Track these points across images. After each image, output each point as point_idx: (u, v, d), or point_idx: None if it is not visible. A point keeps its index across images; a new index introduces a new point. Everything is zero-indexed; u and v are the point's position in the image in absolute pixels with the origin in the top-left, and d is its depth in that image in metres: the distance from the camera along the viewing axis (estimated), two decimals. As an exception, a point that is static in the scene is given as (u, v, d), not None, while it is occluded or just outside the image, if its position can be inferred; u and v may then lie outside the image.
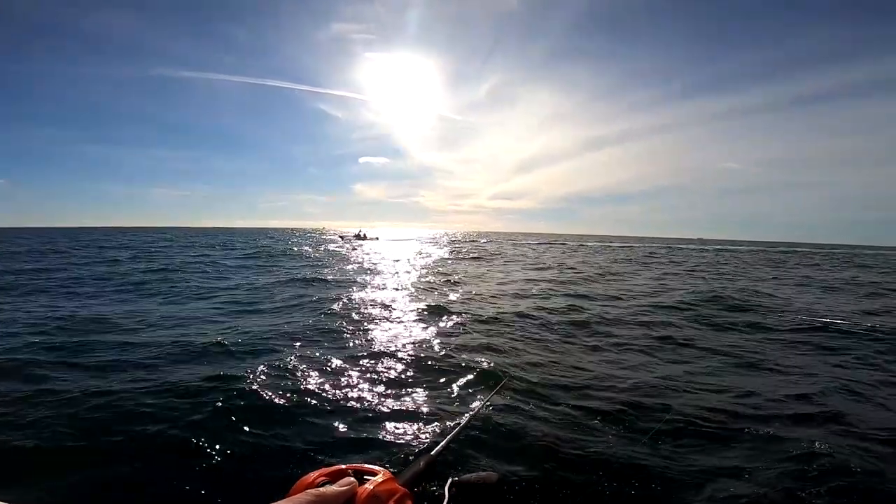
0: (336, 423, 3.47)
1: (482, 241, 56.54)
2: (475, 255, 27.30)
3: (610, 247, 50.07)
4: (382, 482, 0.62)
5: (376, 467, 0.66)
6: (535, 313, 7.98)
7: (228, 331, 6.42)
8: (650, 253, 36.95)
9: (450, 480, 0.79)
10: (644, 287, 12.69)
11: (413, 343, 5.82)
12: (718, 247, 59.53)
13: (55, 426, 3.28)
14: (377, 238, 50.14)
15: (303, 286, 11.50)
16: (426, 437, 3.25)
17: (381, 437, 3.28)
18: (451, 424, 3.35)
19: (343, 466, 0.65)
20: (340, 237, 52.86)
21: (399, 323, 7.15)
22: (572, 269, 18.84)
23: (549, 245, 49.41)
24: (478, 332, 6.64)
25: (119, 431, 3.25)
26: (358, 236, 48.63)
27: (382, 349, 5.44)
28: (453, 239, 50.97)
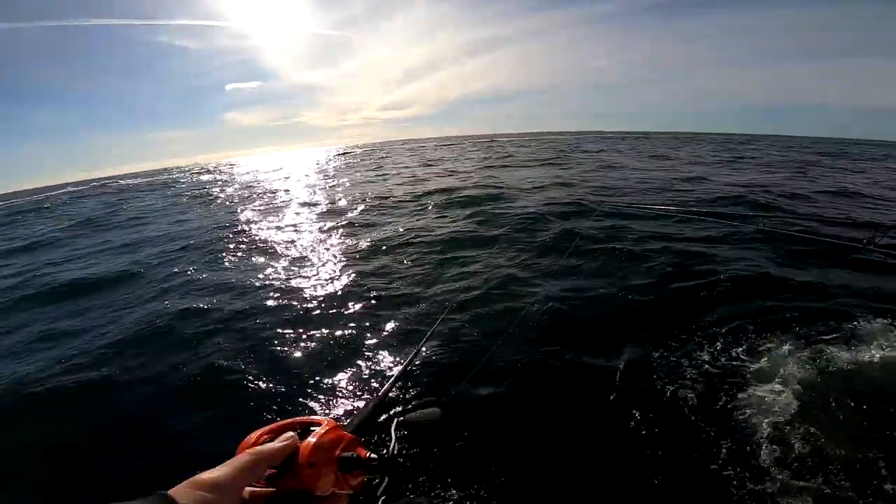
0: (278, 381, 3.42)
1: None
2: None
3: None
4: (326, 432, 0.63)
5: (320, 418, 0.67)
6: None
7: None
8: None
9: (395, 421, 0.82)
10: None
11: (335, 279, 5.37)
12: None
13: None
14: None
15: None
16: (374, 382, 3.34)
17: (326, 389, 3.32)
18: (396, 365, 3.47)
19: (286, 422, 0.66)
20: None
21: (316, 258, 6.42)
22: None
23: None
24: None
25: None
26: None
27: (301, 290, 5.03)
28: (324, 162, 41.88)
